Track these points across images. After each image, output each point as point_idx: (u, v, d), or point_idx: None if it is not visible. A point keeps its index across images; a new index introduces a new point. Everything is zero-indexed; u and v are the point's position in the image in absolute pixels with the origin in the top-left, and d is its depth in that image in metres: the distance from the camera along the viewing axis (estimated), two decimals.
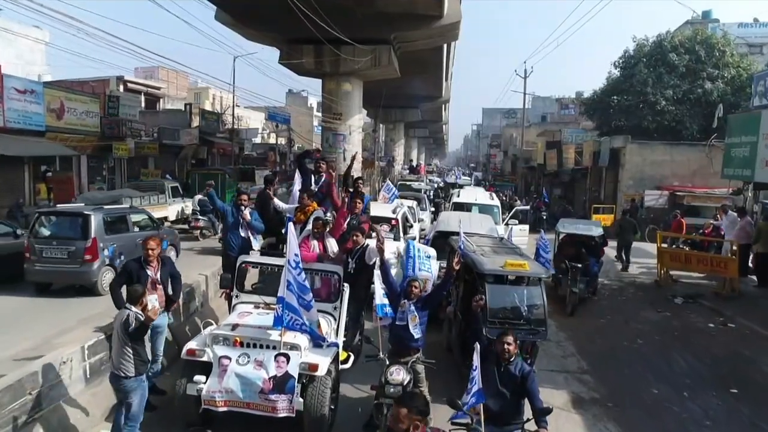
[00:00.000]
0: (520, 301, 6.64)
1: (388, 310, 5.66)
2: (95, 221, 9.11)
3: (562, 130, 39.69)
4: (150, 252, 5.91)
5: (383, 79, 26.56)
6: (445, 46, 29.54)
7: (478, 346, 4.46)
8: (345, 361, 6.52)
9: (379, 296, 5.60)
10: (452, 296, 8.12)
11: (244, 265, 6.61)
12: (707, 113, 24.88)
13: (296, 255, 5.37)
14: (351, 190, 8.74)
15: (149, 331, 5.16)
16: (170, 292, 6.24)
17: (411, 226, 13.01)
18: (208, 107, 44.96)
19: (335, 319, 6.40)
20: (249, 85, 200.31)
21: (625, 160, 22.65)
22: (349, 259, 6.84)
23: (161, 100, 39.44)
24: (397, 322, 5.60)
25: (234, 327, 5.65)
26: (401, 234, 11.43)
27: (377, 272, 5.85)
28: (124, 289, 5.53)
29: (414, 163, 55.83)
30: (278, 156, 40.54)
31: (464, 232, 8.41)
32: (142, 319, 4.90)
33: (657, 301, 12.22)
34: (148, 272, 5.92)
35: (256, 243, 7.75)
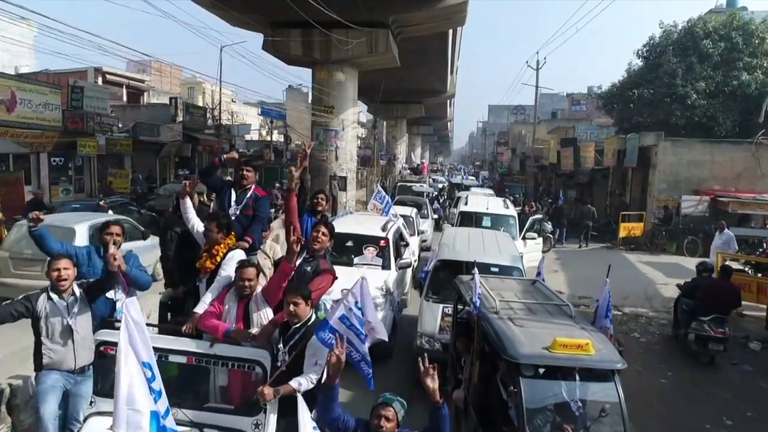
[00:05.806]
0: (578, 406, 3.92)
1: None
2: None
3: (575, 126, 36.86)
4: None
5: (382, 69, 23.78)
6: (450, 33, 26.77)
7: None
8: None
9: None
10: (463, 374, 5.36)
11: (103, 348, 3.86)
12: (743, 108, 22.14)
13: (148, 366, 2.63)
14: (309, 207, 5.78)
15: None
16: None
17: (406, 245, 10.24)
18: (201, 102, 42.36)
19: None
20: (248, 81, 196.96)
21: (657, 160, 19.70)
22: (280, 344, 3.77)
23: (146, 93, 36.80)
24: None
25: None
26: (392, 259, 8.67)
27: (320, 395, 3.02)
28: None
29: (416, 163, 52.34)
30: (272, 154, 37.92)
31: (478, 264, 5.59)
32: None
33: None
34: None
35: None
